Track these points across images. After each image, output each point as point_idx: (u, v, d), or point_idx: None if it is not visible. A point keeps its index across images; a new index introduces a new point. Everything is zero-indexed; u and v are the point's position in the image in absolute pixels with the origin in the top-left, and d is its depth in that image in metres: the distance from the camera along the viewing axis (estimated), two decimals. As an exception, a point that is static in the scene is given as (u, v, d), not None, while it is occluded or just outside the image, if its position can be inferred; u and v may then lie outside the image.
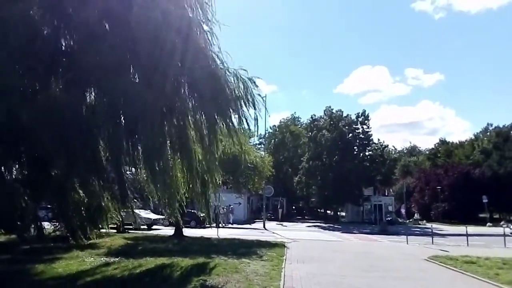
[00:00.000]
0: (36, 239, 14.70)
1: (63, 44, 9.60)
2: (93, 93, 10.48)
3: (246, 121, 11.36)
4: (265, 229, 31.54)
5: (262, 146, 50.63)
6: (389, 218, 39.81)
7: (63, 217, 13.70)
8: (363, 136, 46.68)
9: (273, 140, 60.13)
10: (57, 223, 15.77)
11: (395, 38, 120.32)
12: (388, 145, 52.87)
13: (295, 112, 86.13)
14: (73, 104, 9.54)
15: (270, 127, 62.89)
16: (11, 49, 7.93)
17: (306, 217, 56.22)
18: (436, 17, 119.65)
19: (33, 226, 13.76)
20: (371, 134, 47.38)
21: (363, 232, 30.61)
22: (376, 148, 47.62)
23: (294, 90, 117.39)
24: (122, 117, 9.95)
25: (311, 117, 50.17)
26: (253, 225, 34.96)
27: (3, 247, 15.20)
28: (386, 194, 50.61)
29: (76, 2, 9.17)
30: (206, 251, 14.50)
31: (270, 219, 42.91)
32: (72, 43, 9.87)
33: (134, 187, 14.21)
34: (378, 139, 49.16)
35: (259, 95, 11.67)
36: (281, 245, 17.72)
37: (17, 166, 11.18)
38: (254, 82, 11.09)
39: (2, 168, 11.31)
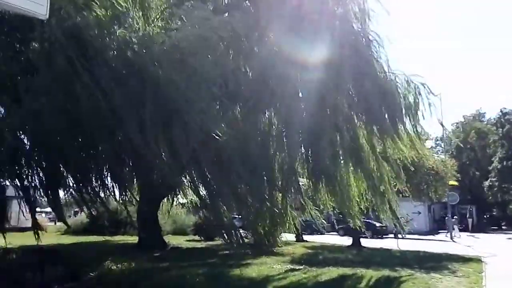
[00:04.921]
0: (230, 245, 16.74)
1: (243, 75, 10.95)
2: (273, 116, 11.60)
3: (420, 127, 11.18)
4: (453, 240, 28.37)
5: (440, 148, 46.05)
6: None
7: (250, 226, 15.27)
8: None
9: (453, 141, 53.84)
10: (246, 232, 17.66)
11: None
12: None
13: (480, 108, 74.91)
14: (253, 125, 10.77)
15: (451, 125, 56.67)
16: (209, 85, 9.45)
17: (503, 227, 48.16)
18: None
19: (232, 235, 15.72)
20: None
21: None
22: None
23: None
24: (298, 135, 10.70)
25: (501, 111, 43.25)
26: (436, 236, 31.89)
27: (204, 253, 17.88)
28: None
29: (253, 39, 10.35)
30: (389, 263, 13.94)
31: (459, 230, 38.33)
32: (250, 74, 11.16)
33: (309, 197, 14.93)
34: None
35: (432, 93, 11.62)
36: (476, 260, 15.64)
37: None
38: (426, 86, 10.78)
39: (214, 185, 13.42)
